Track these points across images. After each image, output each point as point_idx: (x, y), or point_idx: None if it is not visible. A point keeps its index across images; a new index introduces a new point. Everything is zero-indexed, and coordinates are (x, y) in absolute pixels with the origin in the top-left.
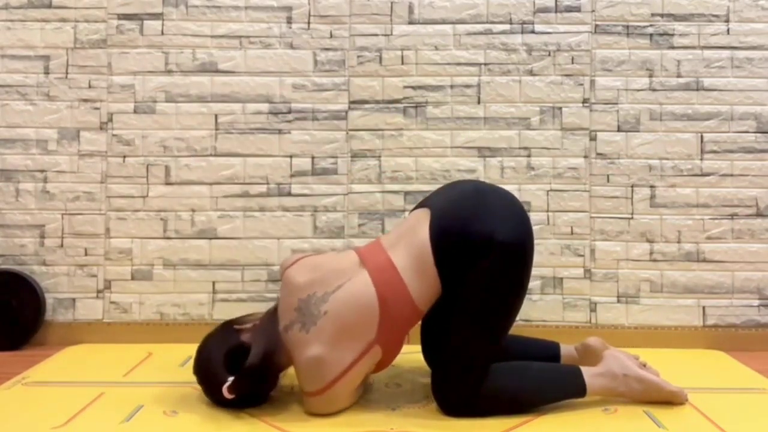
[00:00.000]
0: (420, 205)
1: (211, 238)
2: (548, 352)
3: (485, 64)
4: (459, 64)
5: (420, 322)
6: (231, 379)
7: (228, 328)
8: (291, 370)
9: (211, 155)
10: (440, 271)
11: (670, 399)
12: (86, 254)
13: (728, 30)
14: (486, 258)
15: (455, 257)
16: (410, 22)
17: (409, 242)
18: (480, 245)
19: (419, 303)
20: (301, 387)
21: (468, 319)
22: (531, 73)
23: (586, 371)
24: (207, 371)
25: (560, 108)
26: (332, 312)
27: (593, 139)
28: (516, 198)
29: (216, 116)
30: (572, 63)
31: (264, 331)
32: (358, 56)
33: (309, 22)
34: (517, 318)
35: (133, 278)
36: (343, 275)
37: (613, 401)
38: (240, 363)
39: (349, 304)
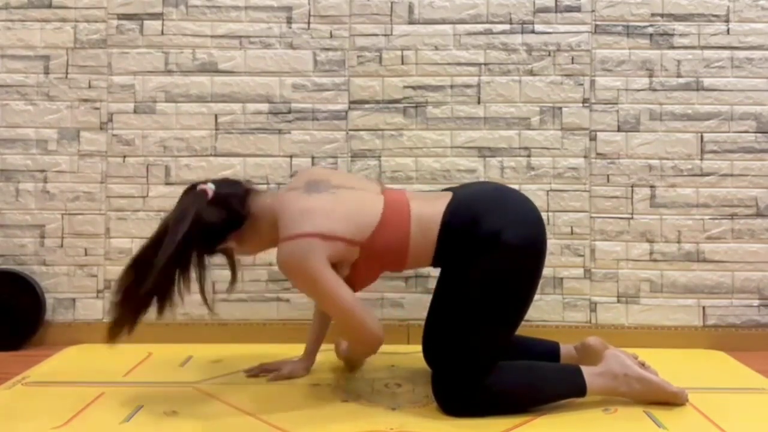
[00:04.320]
0: (446, 189)
1: None
2: (548, 351)
3: (485, 64)
4: (459, 64)
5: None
6: (211, 186)
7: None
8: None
9: (211, 155)
10: (438, 246)
11: (670, 400)
12: (86, 254)
13: (728, 30)
14: (489, 256)
15: (457, 244)
16: (410, 22)
17: (427, 207)
18: (485, 241)
19: (409, 253)
20: (280, 234)
21: (469, 319)
22: (531, 73)
23: (587, 371)
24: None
25: (560, 108)
26: (339, 195)
27: (593, 139)
28: (533, 204)
29: (216, 116)
30: (572, 63)
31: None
32: (358, 56)
33: (309, 22)
34: None
35: None
36: (361, 188)
37: (614, 401)
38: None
39: (356, 202)
